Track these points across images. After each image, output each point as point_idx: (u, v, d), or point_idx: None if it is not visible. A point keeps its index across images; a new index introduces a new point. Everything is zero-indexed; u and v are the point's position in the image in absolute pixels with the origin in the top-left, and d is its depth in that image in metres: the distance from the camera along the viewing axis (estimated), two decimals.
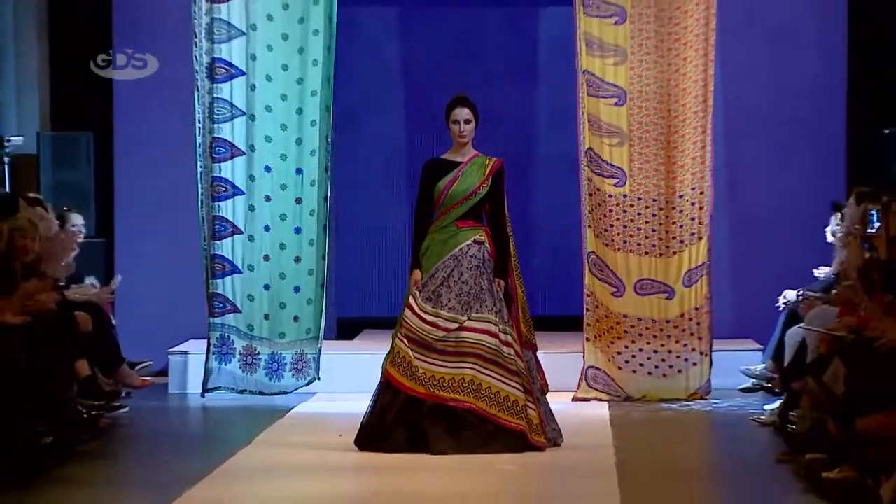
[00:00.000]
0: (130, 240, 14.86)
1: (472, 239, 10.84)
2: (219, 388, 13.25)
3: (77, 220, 13.39)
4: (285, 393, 13.22)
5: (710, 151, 13.35)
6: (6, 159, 16.47)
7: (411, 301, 10.82)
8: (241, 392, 13.19)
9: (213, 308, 13.25)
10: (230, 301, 13.26)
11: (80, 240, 13.33)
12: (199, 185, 13.28)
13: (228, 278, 13.25)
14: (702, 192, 13.33)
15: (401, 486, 9.79)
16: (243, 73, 13.23)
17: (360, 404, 11.04)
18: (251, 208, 13.24)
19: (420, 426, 10.62)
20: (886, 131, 16.89)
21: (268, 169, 13.27)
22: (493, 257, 10.84)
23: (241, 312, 13.25)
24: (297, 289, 13.30)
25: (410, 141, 16.16)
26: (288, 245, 13.29)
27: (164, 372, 13.78)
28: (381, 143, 16.12)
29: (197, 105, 13.24)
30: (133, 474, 10.21)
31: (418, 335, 10.74)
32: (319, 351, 13.33)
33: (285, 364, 13.31)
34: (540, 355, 11.32)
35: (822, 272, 12.99)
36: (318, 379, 13.28)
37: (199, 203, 13.27)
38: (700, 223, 13.34)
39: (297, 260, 13.29)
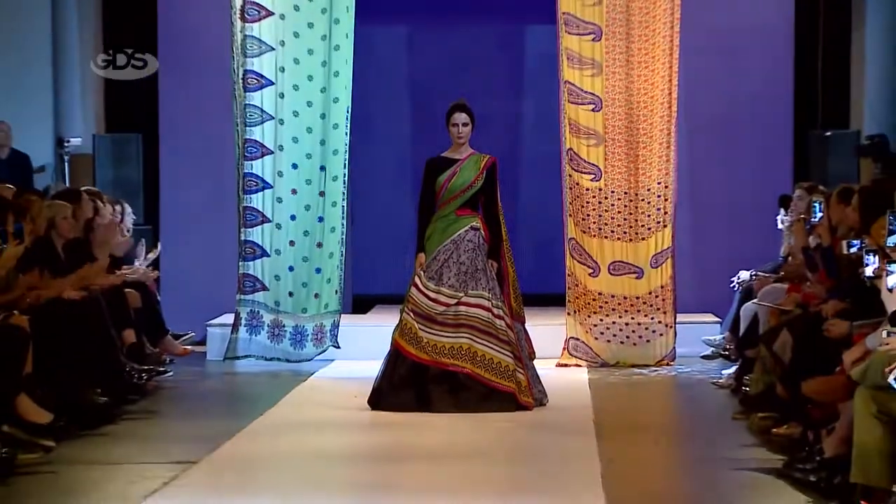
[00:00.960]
0: (173, 227, 14.85)
1: (469, 226, 10.85)
2: (249, 355, 13.24)
3: (127, 210, 13.40)
4: (308, 360, 13.20)
5: (673, 150, 13.34)
6: (66, 158, 16.49)
7: (417, 280, 10.84)
8: (270, 359, 13.18)
9: (244, 286, 13.25)
10: (260, 280, 13.26)
11: (130, 227, 13.35)
12: (237, 180, 13.28)
13: (259, 261, 13.25)
14: (666, 186, 13.32)
15: (408, 441, 9.80)
16: (272, 83, 13.19)
17: (372, 370, 11.05)
18: (279, 200, 13.21)
19: (424, 388, 10.65)
20: (827, 133, 16.89)
21: (294, 166, 13.24)
22: (488, 241, 10.86)
23: (269, 290, 13.25)
24: (318, 270, 13.29)
25: (416, 141, 16.13)
26: (311, 232, 13.27)
27: (202, 342, 13.76)
28: (390, 142, 16.10)
29: (235, 110, 13.23)
30: (176, 430, 10.21)
31: (423, 309, 10.75)
32: (336, 323, 13.32)
33: (307, 335, 13.30)
34: (528, 327, 11.35)
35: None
36: (338, 347, 13.26)
37: (238, 195, 13.27)
38: (665, 213, 13.33)
39: (319, 245, 13.28)
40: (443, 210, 10.89)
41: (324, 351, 13.30)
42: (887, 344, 6.92)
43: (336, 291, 13.30)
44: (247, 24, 13.12)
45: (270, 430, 10.16)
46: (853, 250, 7.95)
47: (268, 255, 13.23)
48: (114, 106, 17.13)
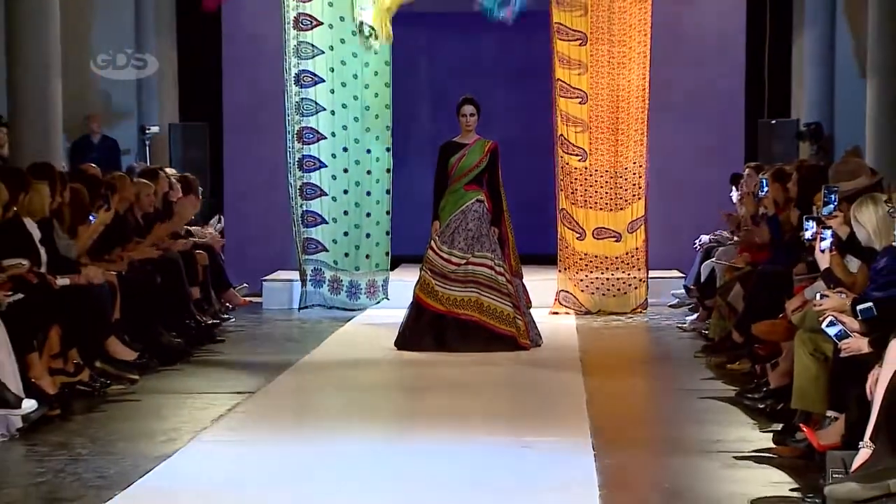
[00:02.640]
0: (233, 199, 14.80)
1: (476, 199, 10.85)
2: (314, 305, 13.23)
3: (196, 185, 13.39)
4: (362, 309, 13.15)
5: (646, 136, 13.29)
6: (147, 142, 16.55)
7: (433, 243, 10.85)
8: (330, 308, 13.13)
9: (307, 248, 13.19)
10: (321, 243, 13.20)
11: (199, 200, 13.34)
12: (288, 161, 13.19)
13: (319, 227, 13.19)
14: (641, 165, 13.27)
15: (427, 375, 9.83)
16: (324, 81, 13.13)
17: (398, 317, 11.07)
18: (333, 177, 13.15)
19: (441, 333, 10.67)
20: (773, 121, 16.89)
21: (345, 149, 13.17)
22: (491, 211, 10.85)
23: (328, 251, 13.21)
24: (368, 235, 13.24)
25: (432, 127, 16.07)
26: (361, 204, 13.22)
27: (258, 294, 13.74)
28: (412, 129, 16.03)
29: (287, 102, 13.17)
30: (237, 366, 10.24)
31: (438, 268, 10.76)
32: (386, 280, 13.29)
33: (361, 288, 13.25)
34: (525, 281, 11.35)
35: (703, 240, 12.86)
36: (388, 299, 13.18)
37: (288, 173, 13.19)
38: (639, 187, 13.28)
39: (368, 215, 13.23)
40: (454, 186, 10.87)
41: (378, 302, 13.24)
42: (821, 304, 6.94)
43: (386, 253, 13.29)
44: (301, 32, 13.06)
45: (315, 366, 10.19)
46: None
47: (327, 223, 13.18)
48: (185, 99, 17.19)
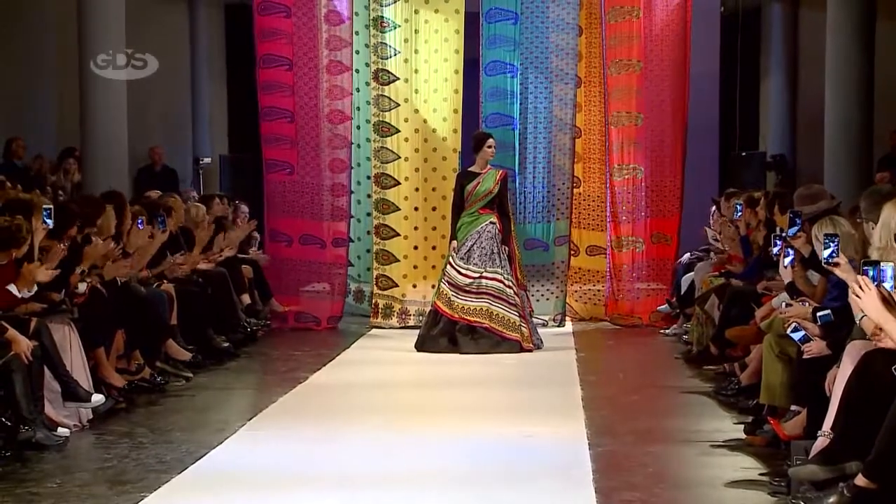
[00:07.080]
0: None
1: (488, 221, 10.84)
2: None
3: (244, 209, 13.37)
4: None
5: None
6: (200, 171, 16.57)
7: (450, 259, 10.86)
8: (353, 315, 13.02)
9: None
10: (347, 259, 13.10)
11: (245, 219, 13.27)
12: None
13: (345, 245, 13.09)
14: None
15: (443, 372, 9.84)
16: (351, 119, 12.96)
17: (417, 323, 11.04)
18: (358, 202, 13.07)
19: (455, 337, 10.66)
20: (743, 153, 16.88)
21: (368, 177, 13.02)
22: (501, 232, 10.85)
23: (353, 266, 13.10)
24: None
25: None
26: None
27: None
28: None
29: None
30: (278, 364, 10.25)
31: (454, 281, 10.76)
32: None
33: None
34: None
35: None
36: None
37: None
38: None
39: None
40: (469, 209, 10.88)
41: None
42: (785, 312, 6.97)
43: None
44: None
45: (347, 364, 10.20)
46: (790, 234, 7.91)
47: (352, 241, 13.10)
48: (233, 133, 17.21)
